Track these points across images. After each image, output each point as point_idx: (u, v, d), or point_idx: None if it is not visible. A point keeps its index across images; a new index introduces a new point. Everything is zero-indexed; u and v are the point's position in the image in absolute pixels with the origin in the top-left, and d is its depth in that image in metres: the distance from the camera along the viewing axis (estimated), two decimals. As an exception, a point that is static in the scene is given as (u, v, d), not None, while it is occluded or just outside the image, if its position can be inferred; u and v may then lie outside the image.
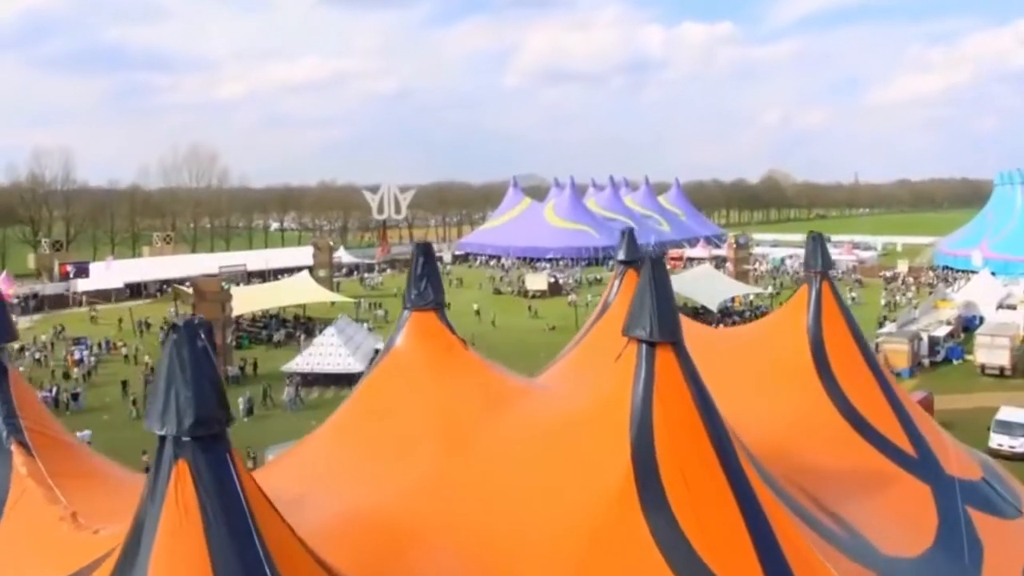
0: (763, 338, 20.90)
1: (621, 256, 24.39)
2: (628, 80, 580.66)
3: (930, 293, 70.89)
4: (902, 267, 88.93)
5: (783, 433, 18.05)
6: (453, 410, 15.47)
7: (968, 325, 54.68)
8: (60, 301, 74.29)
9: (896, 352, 44.67)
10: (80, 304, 72.68)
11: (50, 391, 40.92)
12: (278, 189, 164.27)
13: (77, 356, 49.52)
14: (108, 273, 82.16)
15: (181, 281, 74.70)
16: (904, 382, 43.06)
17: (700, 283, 61.77)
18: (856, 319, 20.86)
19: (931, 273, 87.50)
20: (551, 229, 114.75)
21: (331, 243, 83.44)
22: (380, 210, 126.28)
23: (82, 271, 78.40)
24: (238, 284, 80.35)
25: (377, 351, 47.30)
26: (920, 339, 46.76)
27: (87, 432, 34.06)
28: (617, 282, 24.14)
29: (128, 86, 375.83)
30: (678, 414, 13.17)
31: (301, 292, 60.93)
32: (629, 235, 24.38)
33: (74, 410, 39.15)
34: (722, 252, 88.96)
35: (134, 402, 39.27)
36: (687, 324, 24.35)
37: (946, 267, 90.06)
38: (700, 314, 59.42)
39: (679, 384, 13.41)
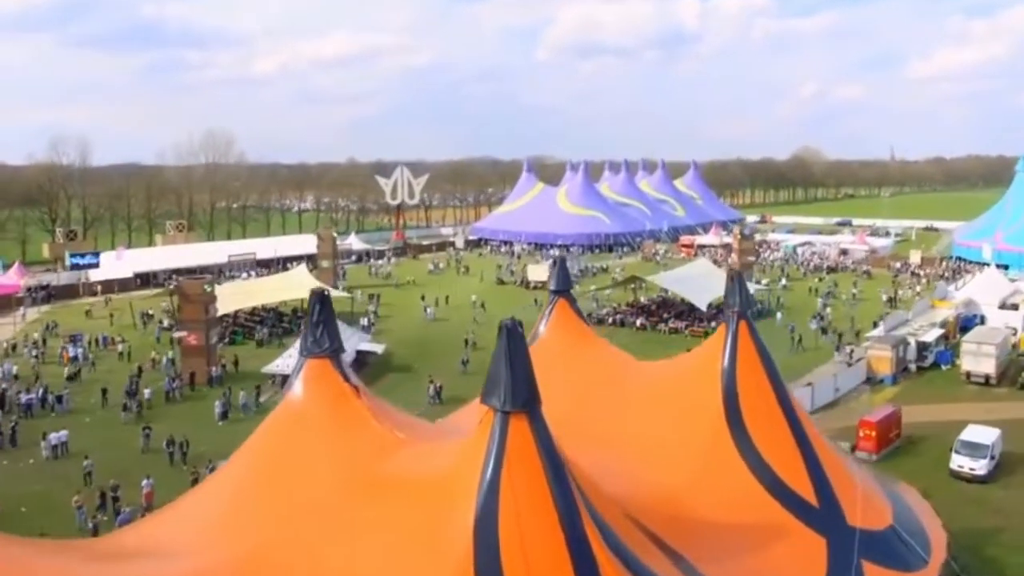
0: (677, 380, 20.70)
1: (552, 286, 24.37)
2: (661, 54, 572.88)
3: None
4: (914, 258, 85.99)
5: (681, 483, 17.98)
6: (328, 467, 15.64)
7: (967, 325, 52.88)
8: (70, 291, 75.22)
9: (879, 358, 43.76)
10: (95, 294, 73.44)
11: (36, 394, 41.23)
12: (302, 166, 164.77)
13: (71, 353, 49.44)
14: (119, 263, 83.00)
15: (190, 271, 75.74)
16: (885, 390, 42.35)
17: (695, 280, 60.85)
18: (774, 358, 20.58)
19: (944, 264, 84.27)
20: (563, 215, 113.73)
21: (335, 233, 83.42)
22: (394, 195, 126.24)
23: (88, 264, 79.03)
24: (249, 274, 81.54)
25: (358, 352, 47.79)
26: (907, 344, 45.55)
27: (64, 432, 34.90)
28: (548, 311, 24.12)
29: (161, 63, 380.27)
30: (527, 488, 13.19)
31: (295, 286, 60.82)
32: (560, 264, 24.31)
33: (59, 412, 39.72)
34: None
35: (125, 406, 39.49)
36: (609, 355, 24.26)
37: (959, 258, 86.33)
38: (694, 311, 58.83)
39: (531, 455, 13.43)
